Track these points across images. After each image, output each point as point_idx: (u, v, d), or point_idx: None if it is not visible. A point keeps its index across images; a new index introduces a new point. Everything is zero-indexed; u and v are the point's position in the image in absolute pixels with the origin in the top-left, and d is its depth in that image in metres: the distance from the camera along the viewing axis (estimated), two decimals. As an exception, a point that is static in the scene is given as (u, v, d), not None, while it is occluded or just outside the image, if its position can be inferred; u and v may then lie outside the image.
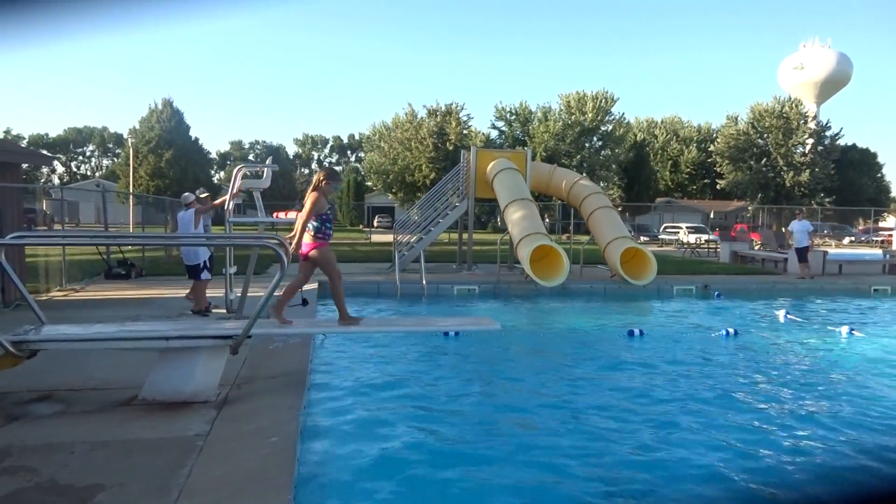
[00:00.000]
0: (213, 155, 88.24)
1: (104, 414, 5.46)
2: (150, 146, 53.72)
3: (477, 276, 17.22)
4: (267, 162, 10.61)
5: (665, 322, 12.43)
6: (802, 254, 18.58)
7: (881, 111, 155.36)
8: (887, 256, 22.23)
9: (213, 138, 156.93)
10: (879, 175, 60.86)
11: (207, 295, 10.99)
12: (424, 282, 14.53)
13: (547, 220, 33.05)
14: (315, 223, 6.73)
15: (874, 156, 60.54)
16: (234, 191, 9.89)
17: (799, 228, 18.69)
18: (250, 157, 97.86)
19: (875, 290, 17.01)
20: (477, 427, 6.01)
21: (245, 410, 5.62)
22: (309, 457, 4.93)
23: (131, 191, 45.62)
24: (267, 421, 5.29)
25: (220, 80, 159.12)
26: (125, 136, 64.94)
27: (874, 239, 48.81)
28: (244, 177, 10.37)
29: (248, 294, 9.43)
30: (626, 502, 4.54)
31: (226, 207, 10.33)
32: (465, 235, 19.87)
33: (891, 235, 45.37)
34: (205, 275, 10.37)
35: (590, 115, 51.36)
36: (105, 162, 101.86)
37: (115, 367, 6.78)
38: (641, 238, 41.53)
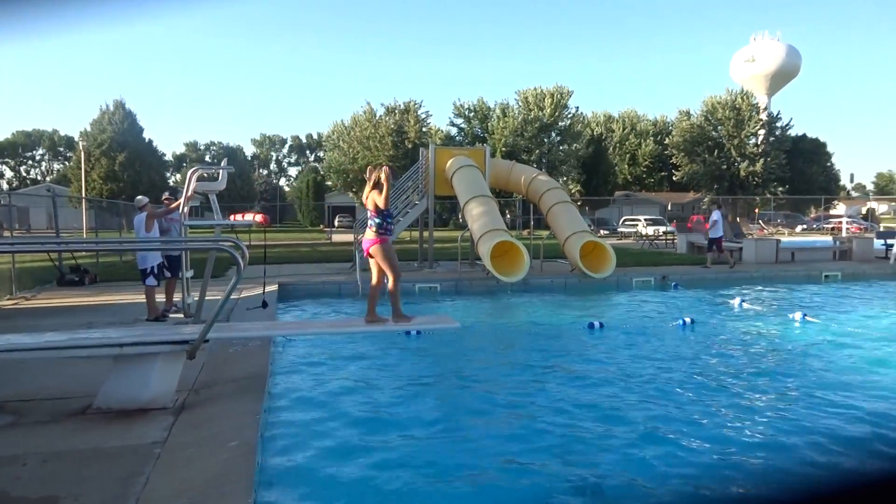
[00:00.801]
0: (169, 157, 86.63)
1: (57, 424, 5.34)
2: (102, 149, 52.50)
3: (438, 273, 17.24)
4: (222, 164, 10.46)
5: (624, 314, 12.62)
6: (718, 243, 19.04)
7: (829, 102, 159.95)
8: (837, 243, 22.87)
9: (167, 140, 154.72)
10: (829, 164, 62.45)
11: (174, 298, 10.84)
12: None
13: (508, 216, 33.20)
14: (377, 219, 6.71)
15: (824, 145, 62.13)
16: (189, 193, 9.75)
17: (715, 218, 19.21)
18: (206, 158, 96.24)
19: (826, 276, 17.50)
20: (439, 426, 6.02)
21: (204, 416, 5.54)
22: (270, 460, 4.89)
23: (84, 195, 44.52)
24: (226, 425, 5.23)
25: (173, 79, 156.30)
26: (76, 139, 63.30)
27: (825, 226, 50.19)
28: (199, 179, 10.23)
29: (206, 297, 9.29)
30: (582, 492, 4.60)
31: (181, 210, 10.18)
32: (425, 233, 19.87)
33: (840, 223, 46.73)
34: (150, 280, 10.13)
35: (548, 110, 51.78)
36: (56, 166, 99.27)
37: (68, 377, 6.63)
38: (601, 231, 42.01)
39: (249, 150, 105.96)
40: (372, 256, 6.84)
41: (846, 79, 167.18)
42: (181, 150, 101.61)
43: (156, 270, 10.17)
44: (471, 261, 18.79)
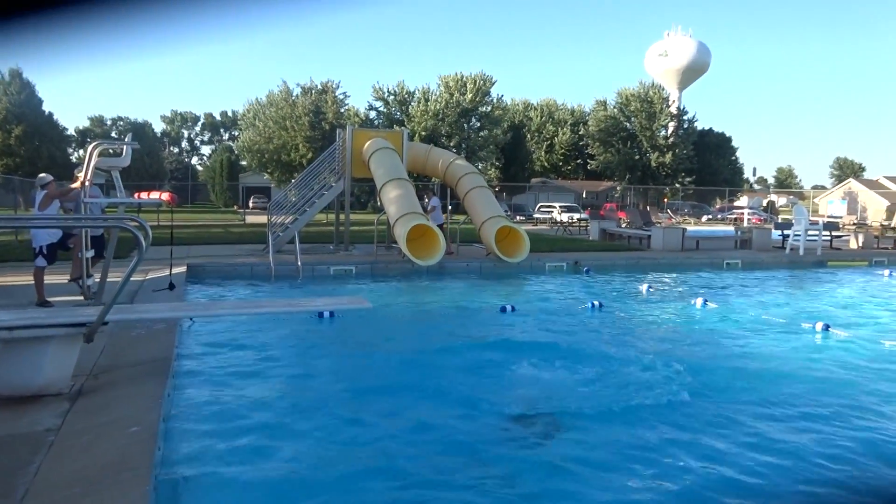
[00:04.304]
0: (71, 132, 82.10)
1: (-61, 412, 5.00)
2: (-5, 121, 49.29)
3: (354, 256, 17.10)
4: (126, 139, 9.99)
5: (537, 297, 12.89)
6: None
7: (736, 98, 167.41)
8: (739, 233, 24.02)
9: (70, 114, 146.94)
10: (734, 158, 65.44)
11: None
12: (300, 263, 14.26)
13: (425, 200, 33.20)
14: None
15: (729, 140, 64.99)
16: (90, 169, 9.26)
17: (433, 205, 18.63)
18: (113, 134, 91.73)
19: (727, 263, 18.37)
20: (344, 410, 5.99)
21: (102, 401, 5.32)
22: (173, 446, 4.74)
23: (-25, 170, 41.76)
24: (126, 411, 5.04)
25: (77, 49, 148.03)
26: (-33, 109, 59.11)
27: (728, 217, 52.62)
28: (102, 154, 9.74)
29: (109, 279, 8.90)
30: (484, 480, 4.68)
31: (83, 188, 9.65)
32: (342, 216, 19.65)
33: (742, 214, 49.11)
34: (39, 261, 9.51)
35: (469, 96, 51.99)
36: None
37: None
38: (517, 217, 42.62)
39: (159, 127, 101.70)
40: None
41: (752, 78, 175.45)
42: (85, 124, 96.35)
43: (45, 251, 9.52)
44: (387, 244, 18.73)
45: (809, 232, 20.95)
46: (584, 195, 62.65)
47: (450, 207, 22.87)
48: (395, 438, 5.22)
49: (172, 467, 4.42)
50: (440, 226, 18.00)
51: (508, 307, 10.79)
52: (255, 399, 6.08)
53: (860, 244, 23.42)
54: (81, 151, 79.96)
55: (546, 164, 69.40)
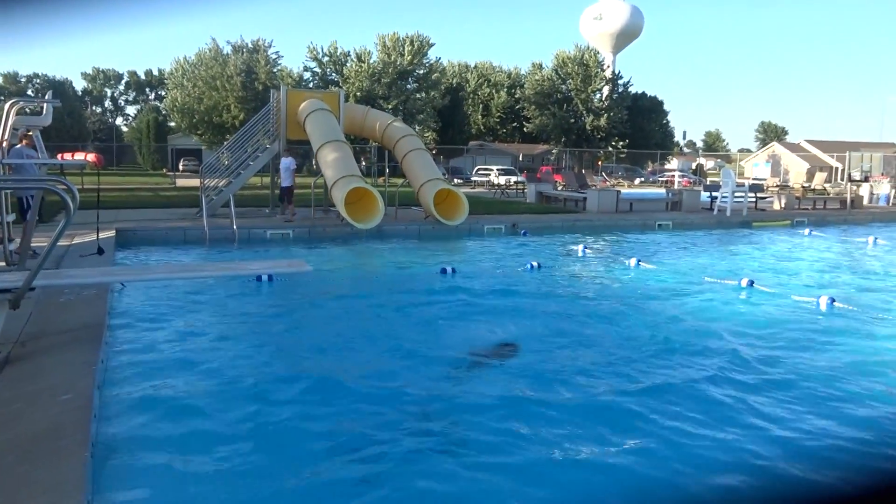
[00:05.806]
0: (-17, 90, 77.58)
1: None
2: None
3: (291, 219, 16.84)
4: (47, 97, 9.51)
5: (476, 259, 13.01)
6: (287, 193, 17.22)
7: (667, 63, 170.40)
8: (669, 195, 24.66)
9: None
10: (665, 121, 66.75)
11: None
12: (235, 226, 13.98)
13: (363, 162, 32.82)
14: None
15: (661, 104, 66.15)
16: (8, 129, 8.80)
17: (285, 166, 17.20)
18: (29, 92, 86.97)
19: (659, 224, 18.90)
20: (284, 371, 5.98)
21: (32, 369, 5.13)
22: (108, 412, 4.63)
23: None
24: (58, 378, 4.88)
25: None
26: None
27: (660, 179, 53.91)
28: (20, 113, 9.26)
29: (35, 245, 8.53)
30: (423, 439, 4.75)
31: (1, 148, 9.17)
32: (278, 179, 19.26)
33: (673, 176, 50.42)
34: None
35: (407, 57, 51.31)
36: None
37: None
38: (455, 180, 42.65)
39: (80, 85, 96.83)
40: None
41: (682, 42, 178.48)
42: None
43: None
44: (325, 206, 18.50)
45: (736, 194, 21.71)
46: (520, 158, 63.01)
47: (387, 170, 22.72)
48: (336, 398, 5.23)
49: (109, 434, 4.32)
50: (289, 189, 17.24)
51: (448, 269, 10.85)
52: (193, 364, 5.97)
53: (783, 205, 24.42)
54: (-4, 111, 75.59)
55: (482, 127, 69.36)
